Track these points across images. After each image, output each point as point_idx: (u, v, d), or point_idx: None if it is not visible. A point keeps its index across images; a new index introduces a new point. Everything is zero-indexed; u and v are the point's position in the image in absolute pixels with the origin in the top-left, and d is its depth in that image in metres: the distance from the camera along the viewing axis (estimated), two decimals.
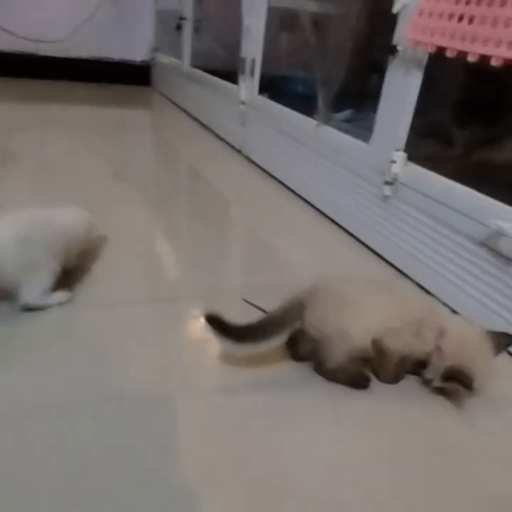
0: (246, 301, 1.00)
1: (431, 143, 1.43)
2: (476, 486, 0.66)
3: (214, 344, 0.85)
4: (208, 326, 0.73)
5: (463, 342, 0.76)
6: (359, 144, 1.33)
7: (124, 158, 1.95)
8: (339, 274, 0.83)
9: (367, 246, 1.30)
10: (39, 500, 0.57)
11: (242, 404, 0.74)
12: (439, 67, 1.50)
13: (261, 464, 0.65)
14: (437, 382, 0.77)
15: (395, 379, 0.82)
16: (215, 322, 0.73)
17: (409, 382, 0.83)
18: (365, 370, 0.82)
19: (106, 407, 0.71)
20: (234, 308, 1.00)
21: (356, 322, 0.75)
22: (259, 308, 0.98)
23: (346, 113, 1.78)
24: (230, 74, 2.17)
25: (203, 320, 0.74)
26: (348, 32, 1.59)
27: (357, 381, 0.79)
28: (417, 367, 0.80)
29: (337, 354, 0.76)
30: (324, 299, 0.76)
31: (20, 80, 3.10)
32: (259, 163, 1.90)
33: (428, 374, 0.79)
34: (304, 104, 1.68)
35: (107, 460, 0.63)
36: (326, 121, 1.49)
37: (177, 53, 2.82)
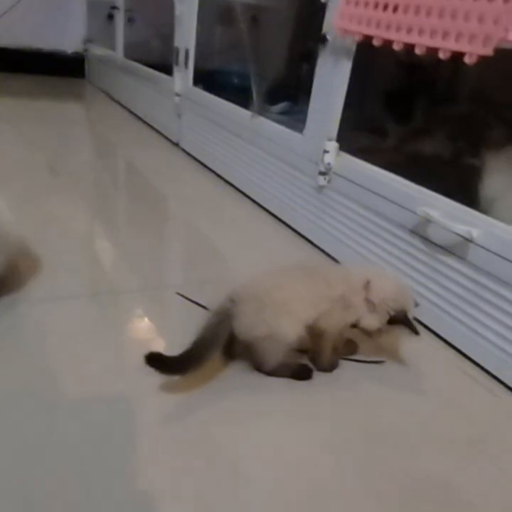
0: (181, 294, 0.98)
1: (365, 134, 1.45)
2: (411, 469, 0.67)
3: (155, 342, 0.83)
4: (151, 367, 0.70)
5: (385, 287, 0.78)
6: (294, 134, 1.32)
7: (58, 153, 1.87)
8: (263, 271, 0.80)
9: (303, 236, 1.31)
10: None
11: (183, 405, 0.73)
12: (372, 60, 1.53)
13: (212, 462, 0.64)
14: (380, 328, 0.79)
15: (331, 366, 0.82)
16: (156, 361, 0.70)
17: (345, 372, 0.84)
18: (304, 360, 0.82)
19: (42, 409, 0.67)
20: (173, 302, 0.98)
21: (284, 320, 0.74)
22: (194, 302, 0.96)
23: (283, 105, 1.78)
24: (166, 66, 2.13)
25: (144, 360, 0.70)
26: (283, 23, 1.58)
27: (299, 373, 0.79)
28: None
29: (273, 355, 0.76)
30: (247, 304, 0.74)
31: None
32: (195, 155, 1.87)
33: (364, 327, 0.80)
34: (240, 97, 1.66)
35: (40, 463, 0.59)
36: (262, 112, 1.48)
37: (110, 44, 2.73)
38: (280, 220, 1.40)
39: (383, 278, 0.81)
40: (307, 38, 1.48)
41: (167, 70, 2.05)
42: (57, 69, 3.27)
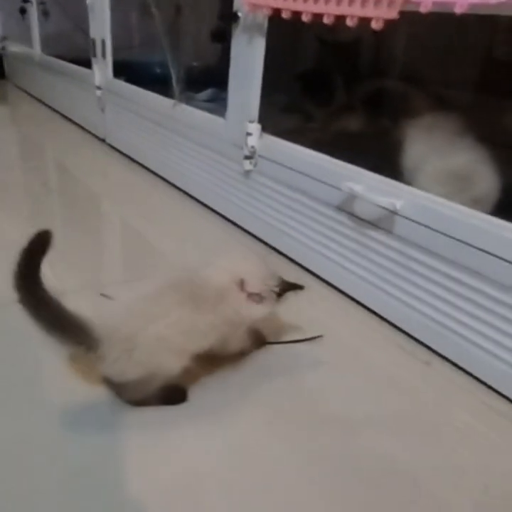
0: (104, 295, 0.92)
1: (290, 116, 1.42)
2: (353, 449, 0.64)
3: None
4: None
5: (256, 272, 0.74)
6: (217, 120, 1.28)
7: None
8: (135, 297, 0.70)
9: (234, 223, 1.27)
10: None
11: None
12: (290, 39, 1.50)
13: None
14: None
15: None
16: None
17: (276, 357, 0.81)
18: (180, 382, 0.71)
19: None
20: (88, 303, 0.91)
21: (164, 357, 0.65)
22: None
23: (208, 92, 1.73)
24: (87, 59, 2.03)
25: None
26: (203, 7, 1.53)
27: (171, 398, 0.70)
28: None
29: (147, 389, 0.67)
30: (116, 346, 0.63)
31: None
32: (122, 150, 1.80)
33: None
34: (164, 86, 1.60)
35: None
36: (185, 100, 1.43)
37: (27, 41, 2.60)
38: (210, 208, 1.36)
39: (246, 265, 0.75)
40: (221, 18, 1.43)
41: (88, 63, 1.97)
42: None
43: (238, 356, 0.78)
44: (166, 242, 1.21)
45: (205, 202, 1.38)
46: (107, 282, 1.02)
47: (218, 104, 1.54)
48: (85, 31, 1.88)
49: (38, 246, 0.61)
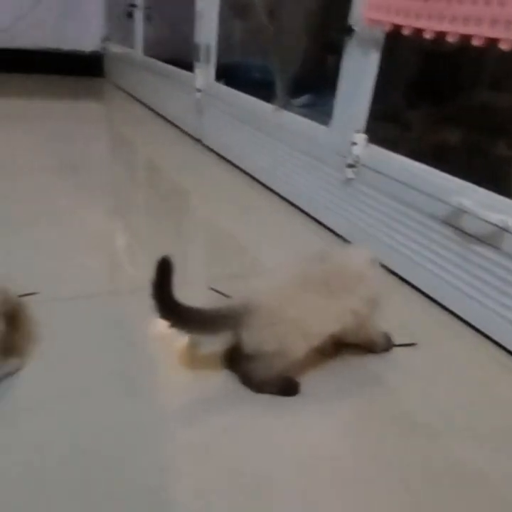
0: (214, 289, 0.98)
1: (391, 125, 1.44)
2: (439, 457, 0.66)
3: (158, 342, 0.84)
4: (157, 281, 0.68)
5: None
6: (319, 127, 1.32)
7: (78, 150, 1.89)
8: (279, 279, 0.76)
9: (331, 230, 1.30)
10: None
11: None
12: (398, 50, 1.51)
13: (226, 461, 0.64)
14: None
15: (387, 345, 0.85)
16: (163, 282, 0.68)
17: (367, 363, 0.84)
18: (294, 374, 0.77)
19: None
20: (198, 298, 0.97)
21: (295, 337, 0.71)
22: (227, 296, 0.96)
23: (304, 98, 1.77)
24: (186, 62, 2.13)
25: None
26: (304, 16, 1.57)
27: (287, 389, 0.75)
28: None
29: (272, 370, 0.73)
30: (259, 317, 0.70)
31: None
32: (218, 150, 1.87)
33: None
34: (262, 91, 1.66)
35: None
36: (285, 106, 1.48)
37: (129, 42, 2.75)
38: (306, 213, 1.39)
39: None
40: (329, 29, 1.47)
41: (187, 66, 2.06)
42: (75, 68, 3.30)
43: (367, 346, 0.83)
44: (259, 243, 1.25)
45: (301, 206, 1.42)
46: (206, 277, 1.09)
47: (313, 110, 1.59)
48: (187, 35, 1.98)
49: (164, 271, 0.69)
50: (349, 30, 1.09)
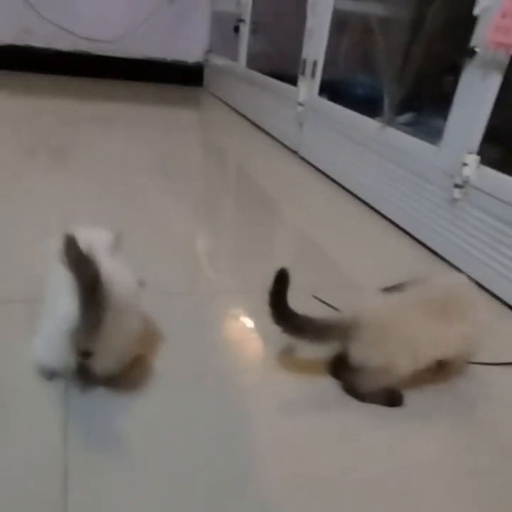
0: (317, 297, 1.01)
1: (505, 147, 1.40)
2: None
3: (256, 343, 0.87)
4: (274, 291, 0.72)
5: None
6: (426, 146, 1.32)
7: (173, 155, 1.98)
8: (390, 297, 0.78)
9: (433, 251, 1.29)
10: None
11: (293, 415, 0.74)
12: None
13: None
14: None
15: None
16: (279, 294, 0.73)
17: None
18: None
19: None
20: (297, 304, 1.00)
21: (404, 356, 0.72)
22: (330, 305, 0.98)
23: (407, 116, 1.77)
24: (286, 75, 2.19)
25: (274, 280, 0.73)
26: (418, 35, 1.58)
27: (392, 400, 0.77)
28: None
29: (377, 384, 0.75)
30: (369, 332, 0.72)
31: (77, 78, 3.20)
32: (315, 163, 1.91)
33: None
34: (365, 107, 1.68)
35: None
36: (390, 123, 1.49)
37: (232, 54, 2.86)
38: (405, 231, 1.39)
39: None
40: (445, 50, 1.46)
41: (287, 79, 2.13)
42: (177, 78, 3.47)
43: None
44: (352, 259, 1.24)
45: (400, 223, 1.41)
46: (305, 286, 1.10)
47: (415, 128, 1.58)
48: (290, 49, 2.04)
49: (281, 282, 0.73)
50: (471, 52, 1.09)
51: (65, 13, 3.10)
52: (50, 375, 0.72)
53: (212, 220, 1.41)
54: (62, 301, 0.64)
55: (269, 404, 0.74)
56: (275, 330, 0.74)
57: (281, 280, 0.73)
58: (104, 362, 0.69)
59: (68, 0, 3.09)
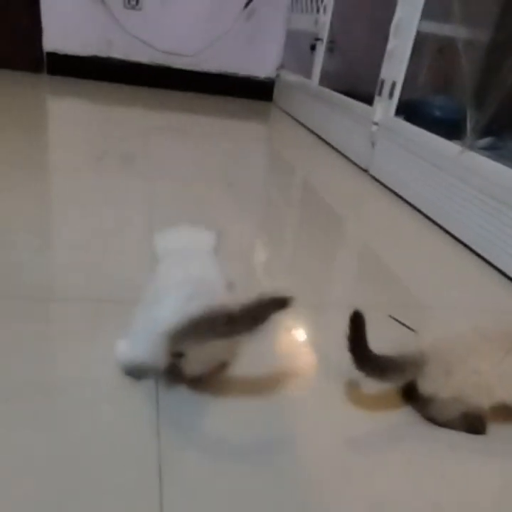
0: (393, 318, 1.01)
1: None
2: None
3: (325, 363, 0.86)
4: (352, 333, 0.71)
5: None
6: (509, 171, 1.30)
7: (240, 166, 2.02)
8: (458, 329, 0.77)
9: (509, 277, 1.26)
10: None
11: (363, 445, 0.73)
12: None
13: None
14: None
15: None
16: (358, 336, 0.72)
17: None
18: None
19: None
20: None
21: (470, 394, 0.71)
22: (407, 326, 0.98)
23: (487, 140, 1.74)
24: (360, 94, 2.21)
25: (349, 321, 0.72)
26: (504, 58, 1.55)
27: (474, 427, 0.75)
28: None
29: (453, 413, 0.73)
30: (437, 366, 0.71)
31: (155, 90, 3.33)
32: (386, 183, 1.90)
33: None
34: (443, 129, 1.67)
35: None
36: (472, 147, 1.47)
37: (305, 71, 2.90)
38: (479, 255, 1.37)
39: None
40: None
41: (360, 97, 2.14)
42: (248, 92, 3.55)
43: None
44: (424, 280, 1.22)
45: (478, 250, 1.39)
46: (376, 304, 1.09)
47: (494, 153, 1.55)
48: (366, 70, 2.05)
49: (358, 326, 0.72)
50: None
51: (145, 27, 3.25)
52: (139, 373, 0.75)
53: (276, 232, 1.42)
54: (166, 302, 0.68)
55: (338, 437, 0.72)
56: (341, 356, 0.72)
57: (358, 324, 0.72)
58: (193, 364, 0.72)
59: (150, 14, 3.23)
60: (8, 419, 0.65)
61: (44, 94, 2.92)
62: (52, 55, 3.23)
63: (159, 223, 1.28)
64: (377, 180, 1.97)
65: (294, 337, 0.94)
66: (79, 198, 1.41)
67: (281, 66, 3.46)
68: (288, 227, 1.50)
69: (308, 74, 2.84)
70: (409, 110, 1.91)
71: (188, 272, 0.74)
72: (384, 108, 1.93)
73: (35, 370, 0.74)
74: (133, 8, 3.16)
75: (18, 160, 1.65)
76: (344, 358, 0.70)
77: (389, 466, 0.68)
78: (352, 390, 0.81)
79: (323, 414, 0.76)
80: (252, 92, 3.57)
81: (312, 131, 2.75)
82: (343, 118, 2.33)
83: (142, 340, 0.71)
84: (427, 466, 0.68)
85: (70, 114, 2.52)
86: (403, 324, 0.99)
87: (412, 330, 0.95)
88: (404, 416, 0.77)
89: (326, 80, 2.67)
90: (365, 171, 2.08)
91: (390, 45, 1.86)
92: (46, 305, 0.91)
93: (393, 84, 1.85)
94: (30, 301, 0.90)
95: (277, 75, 3.50)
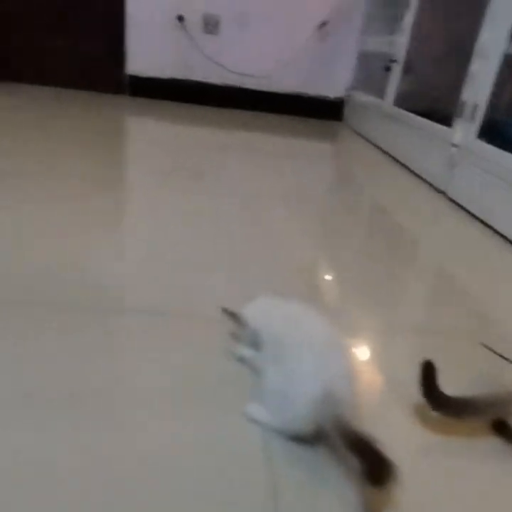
0: (486, 346, 0.99)
1: None
2: None
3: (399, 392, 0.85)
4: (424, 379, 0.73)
5: None
6: None
7: (309, 184, 2.03)
8: None
9: None
10: None
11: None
12: None
13: None
14: None
15: None
16: (429, 382, 0.73)
17: None
18: None
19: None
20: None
21: None
22: (500, 355, 0.96)
23: None
24: (436, 115, 2.19)
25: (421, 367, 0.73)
26: None
27: None
28: None
29: None
30: None
31: (227, 110, 3.43)
32: (466, 206, 1.86)
33: None
34: None
35: None
36: None
37: (377, 92, 2.91)
38: None
39: None
40: None
41: (437, 119, 2.12)
42: (318, 112, 3.59)
43: None
44: (504, 308, 1.20)
45: None
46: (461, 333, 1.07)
47: None
48: (443, 92, 2.02)
49: (429, 374, 0.73)
50: None
51: (221, 50, 3.36)
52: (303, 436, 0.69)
53: (338, 251, 1.40)
54: (305, 364, 0.67)
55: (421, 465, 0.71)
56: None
57: (429, 372, 0.74)
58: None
59: (227, 39, 3.35)
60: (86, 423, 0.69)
61: (124, 114, 3.07)
62: (134, 78, 3.41)
63: (229, 240, 1.33)
64: (455, 203, 1.94)
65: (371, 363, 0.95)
66: (151, 212, 1.48)
67: (354, 86, 3.48)
68: (358, 248, 1.46)
69: (380, 94, 2.84)
70: (494, 132, 1.87)
71: (310, 332, 0.74)
72: (464, 130, 1.90)
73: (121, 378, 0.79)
74: (211, 32, 3.29)
75: (94, 175, 1.75)
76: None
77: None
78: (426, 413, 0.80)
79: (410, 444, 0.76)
80: (321, 111, 3.61)
81: (385, 151, 2.74)
82: (418, 139, 2.32)
83: (296, 403, 0.66)
84: None
85: (148, 133, 2.64)
86: (500, 355, 0.96)
87: (508, 360, 0.93)
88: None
89: (400, 101, 2.66)
90: (443, 192, 2.05)
91: (472, 66, 1.84)
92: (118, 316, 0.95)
93: (475, 107, 1.82)
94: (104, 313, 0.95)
95: (348, 95, 3.52)
